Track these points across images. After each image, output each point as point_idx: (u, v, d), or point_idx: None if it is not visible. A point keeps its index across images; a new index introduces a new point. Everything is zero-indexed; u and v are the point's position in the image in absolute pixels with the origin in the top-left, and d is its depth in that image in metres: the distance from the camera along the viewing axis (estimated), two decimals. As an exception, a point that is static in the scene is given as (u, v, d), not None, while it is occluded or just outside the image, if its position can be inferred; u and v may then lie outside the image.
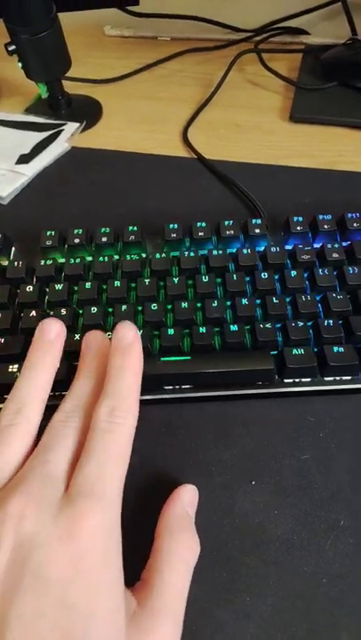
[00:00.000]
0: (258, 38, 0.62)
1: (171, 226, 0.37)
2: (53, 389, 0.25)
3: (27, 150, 0.50)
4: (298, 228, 0.36)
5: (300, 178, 0.45)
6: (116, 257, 0.36)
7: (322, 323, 0.31)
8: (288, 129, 0.51)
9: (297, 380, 0.31)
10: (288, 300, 0.32)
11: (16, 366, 0.30)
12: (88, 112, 0.55)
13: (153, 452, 0.30)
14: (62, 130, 0.52)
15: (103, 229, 0.37)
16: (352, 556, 0.26)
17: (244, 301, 0.32)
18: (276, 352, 0.31)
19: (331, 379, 0.30)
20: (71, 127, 0.53)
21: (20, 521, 0.19)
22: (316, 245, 0.35)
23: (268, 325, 0.31)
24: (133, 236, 0.36)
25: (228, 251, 0.35)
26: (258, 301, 0.33)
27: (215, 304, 0.32)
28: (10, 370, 0.30)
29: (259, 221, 0.36)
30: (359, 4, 0.58)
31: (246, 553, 0.26)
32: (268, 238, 0.36)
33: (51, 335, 0.26)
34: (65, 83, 0.54)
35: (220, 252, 0.35)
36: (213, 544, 0.26)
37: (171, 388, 0.30)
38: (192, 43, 0.64)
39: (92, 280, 0.34)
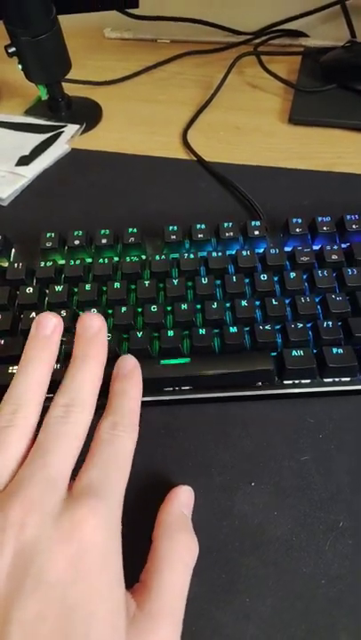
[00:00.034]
0: (257, 41, 0.62)
1: (170, 228, 0.37)
2: (51, 390, 0.25)
3: (27, 152, 0.50)
4: (297, 229, 0.36)
5: (300, 180, 0.46)
6: (116, 259, 0.36)
7: (321, 324, 0.31)
8: (287, 131, 0.51)
9: (296, 382, 0.31)
10: (287, 301, 0.32)
11: (16, 367, 0.30)
12: (88, 114, 0.55)
13: (152, 453, 0.30)
14: (62, 132, 0.53)
15: (103, 231, 0.37)
16: (351, 557, 0.26)
17: (244, 303, 0.32)
18: (275, 353, 0.31)
19: (330, 380, 0.31)
20: (71, 129, 0.53)
21: (21, 528, 0.19)
22: (316, 247, 0.35)
23: (267, 327, 0.31)
24: (133, 238, 0.36)
25: (228, 252, 0.35)
26: (257, 303, 0.33)
27: (215, 306, 0.32)
28: (10, 371, 0.30)
29: (258, 223, 0.37)
30: (358, 6, 0.58)
31: (246, 554, 0.26)
32: (267, 240, 0.36)
33: (47, 330, 0.26)
34: (65, 85, 0.54)
35: (220, 253, 0.35)
36: (213, 545, 0.26)
37: (170, 389, 0.31)
38: (192, 45, 0.64)
39: (92, 282, 0.34)
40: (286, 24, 0.62)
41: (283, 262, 0.34)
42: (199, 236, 0.36)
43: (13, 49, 0.48)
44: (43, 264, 0.35)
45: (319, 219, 0.36)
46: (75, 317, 0.33)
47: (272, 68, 0.56)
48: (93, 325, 0.26)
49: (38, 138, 0.52)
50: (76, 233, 0.37)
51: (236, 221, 0.37)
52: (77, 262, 0.35)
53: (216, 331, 0.32)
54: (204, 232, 0.36)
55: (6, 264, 0.37)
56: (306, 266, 0.34)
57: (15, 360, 0.30)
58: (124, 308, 0.32)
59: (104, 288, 0.34)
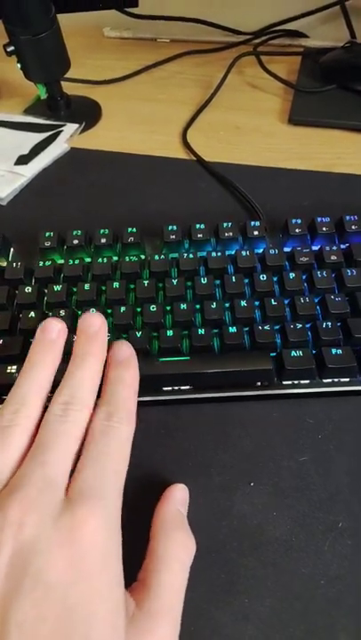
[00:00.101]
0: (257, 41, 0.62)
1: (170, 227, 0.37)
2: (52, 390, 0.25)
3: (26, 151, 0.50)
4: (296, 230, 0.36)
5: (299, 180, 0.46)
6: (115, 258, 0.36)
7: (320, 325, 0.31)
8: (287, 131, 0.51)
9: (295, 382, 0.31)
10: (287, 301, 0.32)
11: (15, 367, 0.30)
12: (87, 113, 0.55)
13: (151, 453, 0.30)
14: (61, 131, 0.52)
15: (102, 231, 0.37)
16: (350, 558, 0.26)
17: (243, 303, 0.32)
18: (274, 354, 0.31)
19: (329, 380, 0.31)
20: (70, 128, 0.53)
21: (20, 528, 0.19)
22: (315, 248, 0.35)
23: (266, 327, 0.31)
24: (132, 238, 0.36)
25: (227, 252, 0.35)
26: (256, 303, 0.33)
27: (214, 306, 0.32)
28: (8, 371, 0.30)
29: (257, 223, 0.37)
30: (358, 7, 0.58)
31: (245, 554, 0.26)
32: (266, 240, 0.36)
33: (52, 334, 0.26)
34: (64, 84, 0.54)
35: (219, 253, 0.35)
36: (212, 545, 0.26)
37: (169, 389, 0.31)
38: (191, 45, 0.64)
39: (91, 281, 0.34)
40: (286, 24, 0.62)
41: (282, 262, 0.34)
42: (199, 235, 0.36)
43: (12, 48, 0.48)
44: (41, 263, 0.35)
45: (319, 219, 0.36)
46: (74, 317, 0.33)
47: (272, 69, 0.56)
48: (94, 324, 0.26)
49: (37, 137, 0.52)
50: (75, 232, 0.37)
51: (236, 221, 0.37)
52: (76, 262, 0.35)
53: (215, 331, 0.32)
54: (203, 232, 0.36)
55: (5, 263, 0.36)
56: (305, 266, 0.34)
57: (14, 359, 0.30)
58: (123, 308, 0.32)
59: (103, 288, 0.34)
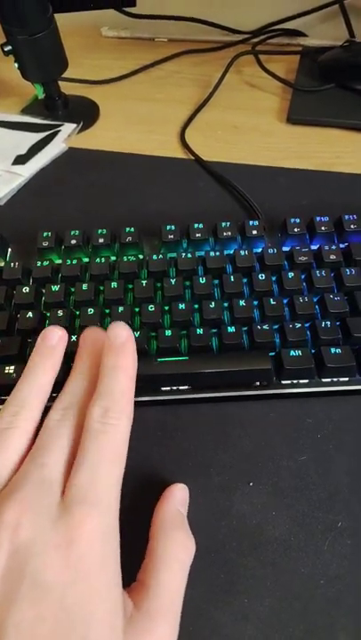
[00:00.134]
0: (255, 40, 0.62)
1: (168, 227, 0.37)
2: (52, 391, 0.25)
3: (23, 151, 0.50)
4: (295, 229, 0.36)
5: (298, 179, 0.46)
6: (113, 258, 0.36)
7: (319, 324, 0.31)
8: (286, 130, 0.51)
9: (295, 382, 0.31)
10: (285, 301, 0.32)
11: (12, 367, 0.30)
12: (85, 113, 0.55)
13: (150, 453, 0.30)
14: (59, 130, 0.52)
15: (100, 230, 0.37)
16: (350, 558, 0.26)
17: (242, 303, 0.32)
18: (273, 353, 0.31)
19: (328, 380, 0.30)
20: (68, 128, 0.53)
21: (16, 530, 0.19)
22: (314, 247, 0.35)
23: (265, 327, 0.31)
24: (130, 238, 0.36)
25: (226, 252, 0.35)
26: (255, 303, 0.33)
27: (212, 305, 0.32)
28: (6, 371, 0.30)
29: (256, 223, 0.36)
30: (356, 6, 0.58)
31: (244, 554, 0.26)
32: (265, 240, 0.36)
33: (52, 341, 0.27)
34: (62, 84, 0.54)
35: (218, 253, 0.35)
36: (211, 545, 0.26)
37: (168, 389, 0.30)
38: (189, 44, 0.64)
39: (89, 281, 0.34)
40: (285, 23, 0.62)
41: (281, 262, 0.34)
42: (197, 235, 0.36)
43: (9, 47, 0.48)
44: (39, 263, 0.35)
45: (317, 218, 0.36)
46: (72, 317, 0.32)
47: (270, 68, 0.56)
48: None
49: (35, 137, 0.52)
50: (72, 232, 0.37)
51: (234, 221, 0.37)
52: (74, 262, 0.35)
53: (214, 330, 0.32)
54: (201, 231, 0.36)
55: (3, 263, 0.36)
56: (304, 266, 0.34)
57: (12, 360, 0.30)
58: (121, 308, 0.32)
59: (101, 288, 0.34)
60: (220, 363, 0.30)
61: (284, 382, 0.30)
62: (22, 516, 0.19)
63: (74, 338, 0.30)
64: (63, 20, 0.49)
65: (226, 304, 0.33)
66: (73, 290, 0.34)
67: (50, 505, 0.20)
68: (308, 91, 0.54)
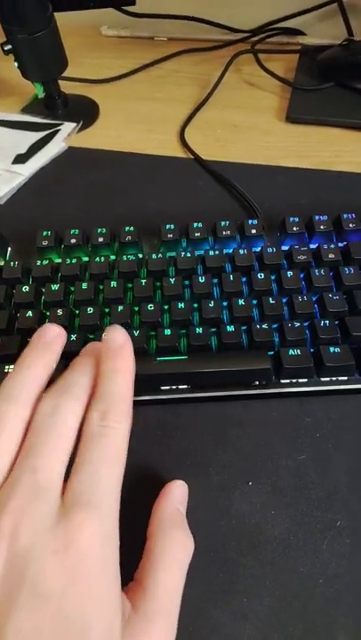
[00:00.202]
0: (255, 39, 0.62)
1: (167, 226, 0.37)
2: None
3: (23, 150, 0.50)
4: (294, 228, 0.36)
5: (297, 178, 0.46)
6: (113, 257, 0.36)
7: (318, 323, 0.31)
8: (285, 129, 0.51)
9: (294, 381, 0.31)
10: (284, 300, 0.32)
11: (12, 366, 0.30)
12: (85, 112, 0.55)
13: (149, 452, 0.30)
14: (59, 130, 0.52)
15: (100, 230, 0.37)
16: (349, 557, 0.26)
17: (241, 302, 0.32)
18: (272, 352, 0.31)
19: (327, 379, 0.30)
20: (68, 127, 0.53)
21: (14, 538, 0.19)
22: (313, 246, 0.35)
23: (264, 326, 0.31)
24: (130, 237, 0.36)
25: (225, 251, 0.35)
26: (254, 302, 0.33)
27: (212, 304, 0.32)
28: (6, 370, 0.30)
29: (255, 222, 0.36)
30: (355, 4, 0.58)
31: (243, 553, 0.26)
32: (264, 239, 0.36)
33: (47, 338, 0.26)
34: (61, 83, 0.54)
35: (217, 252, 0.35)
36: (210, 545, 0.26)
37: (167, 388, 0.30)
38: (189, 43, 0.64)
39: (89, 280, 0.34)
40: (284, 22, 0.62)
41: (280, 261, 0.34)
42: (196, 234, 0.36)
43: (9, 47, 0.48)
44: (39, 263, 0.35)
45: (316, 217, 0.36)
46: (72, 316, 0.32)
47: (269, 66, 0.56)
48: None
49: (35, 136, 0.52)
50: (72, 231, 0.37)
51: (234, 220, 0.37)
52: (74, 261, 0.35)
53: (213, 329, 0.32)
54: (201, 230, 0.36)
55: (2, 262, 0.36)
56: (303, 265, 0.34)
57: (11, 359, 0.30)
58: (120, 307, 0.32)
59: (101, 287, 0.34)
60: (220, 362, 0.30)
61: (283, 381, 0.30)
62: (19, 524, 0.19)
63: (73, 337, 0.30)
64: (63, 19, 0.49)
65: (225, 303, 0.33)
66: (73, 289, 0.34)
67: (46, 510, 0.19)
68: (308, 89, 0.54)
